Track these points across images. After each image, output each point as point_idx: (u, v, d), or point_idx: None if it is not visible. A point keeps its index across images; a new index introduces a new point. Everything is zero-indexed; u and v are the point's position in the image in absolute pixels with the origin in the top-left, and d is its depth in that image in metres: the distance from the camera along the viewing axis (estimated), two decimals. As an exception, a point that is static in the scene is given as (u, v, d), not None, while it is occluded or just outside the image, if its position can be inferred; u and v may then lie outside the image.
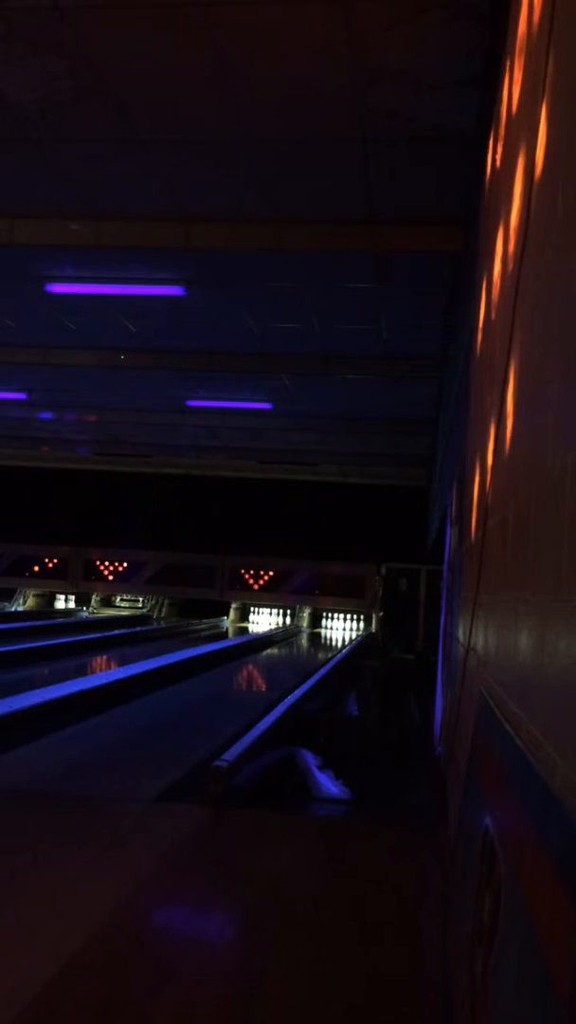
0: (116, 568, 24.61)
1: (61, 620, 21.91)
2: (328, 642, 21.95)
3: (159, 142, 6.07)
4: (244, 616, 24.97)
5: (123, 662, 12.57)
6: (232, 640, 19.41)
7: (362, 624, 23.98)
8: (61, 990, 2.88)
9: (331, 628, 24.38)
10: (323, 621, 24.55)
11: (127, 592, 25.28)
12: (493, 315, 3.77)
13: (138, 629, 20.75)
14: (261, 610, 25.01)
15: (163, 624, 23.33)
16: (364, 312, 9.56)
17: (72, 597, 25.77)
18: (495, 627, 2.97)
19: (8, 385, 14.60)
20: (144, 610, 25.11)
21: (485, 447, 3.78)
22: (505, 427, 2.96)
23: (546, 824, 1.59)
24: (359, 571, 22.97)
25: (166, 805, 5.36)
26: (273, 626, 24.28)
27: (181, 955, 3.23)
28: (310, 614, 24.44)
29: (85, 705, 8.44)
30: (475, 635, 3.78)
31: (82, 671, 10.74)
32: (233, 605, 24.62)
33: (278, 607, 24.77)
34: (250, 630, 23.65)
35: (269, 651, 18.73)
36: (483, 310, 4.49)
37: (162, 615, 25.05)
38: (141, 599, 25.53)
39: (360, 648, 18.33)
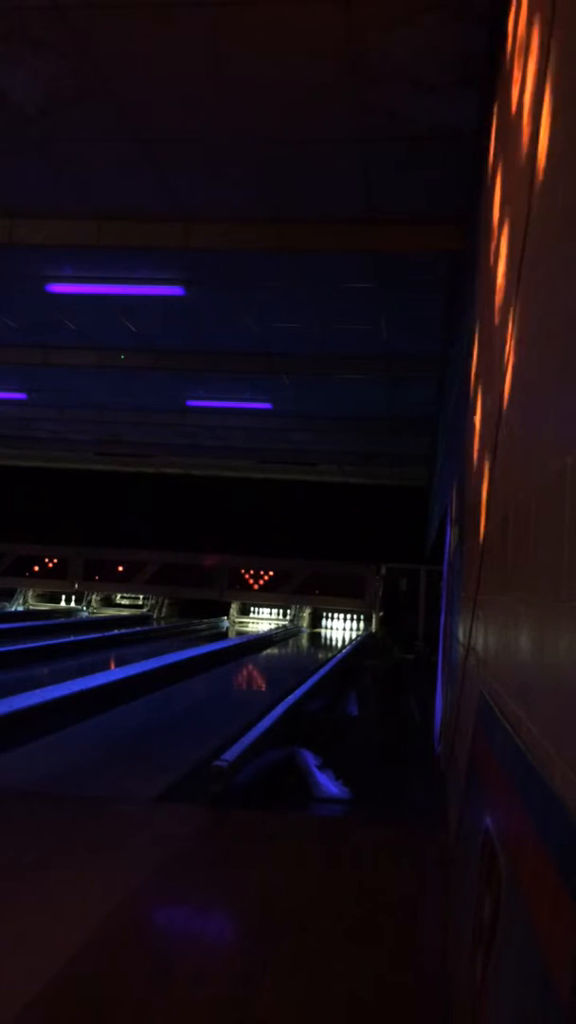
0: (116, 568, 24.62)
1: (61, 620, 21.90)
2: (328, 642, 21.93)
3: (159, 142, 6.08)
4: (244, 616, 24.98)
5: (123, 662, 12.56)
6: (232, 640, 19.40)
7: (362, 624, 23.97)
8: (60, 990, 2.88)
9: (331, 628, 24.38)
10: (323, 621, 24.55)
11: (127, 592, 25.28)
12: (492, 315, 3.77)
13: (138, 629, 20.74)
14: (261, 610, 25.02)
15: (163, 624, 23.32)
16: (364, 312, 9.56)
17: (72, 597, 25.78)
18: (495, 627, 2.97)
19: (8, 385, 14.61)
20: (144, 610, 25.10)
21: (485, 447, 3.78)
22: (505, 427, 2.96)
23: (546, 824, 1.59)
24: (359, 571, 22.98)
25: (166, 805, 5.36)
26: (273, 626, 24.27)
27: (180, 955, 3.23)
28: (310, 614, 24.44)
29: (85, 705, 8.43)
30: (475, 635, 3.78)
31: (82, 671, 10.74)
32: (233, 605, 24.63)
33: (278, 607, 24.78)
34: (250, 630, 23.64)
35: (269, 651, 18.72)
36: (483, 310, 4.49)
37: (162, 615, 25.04)
38: (141, 599, 25.54)
39: (360, 648, 18.32)
